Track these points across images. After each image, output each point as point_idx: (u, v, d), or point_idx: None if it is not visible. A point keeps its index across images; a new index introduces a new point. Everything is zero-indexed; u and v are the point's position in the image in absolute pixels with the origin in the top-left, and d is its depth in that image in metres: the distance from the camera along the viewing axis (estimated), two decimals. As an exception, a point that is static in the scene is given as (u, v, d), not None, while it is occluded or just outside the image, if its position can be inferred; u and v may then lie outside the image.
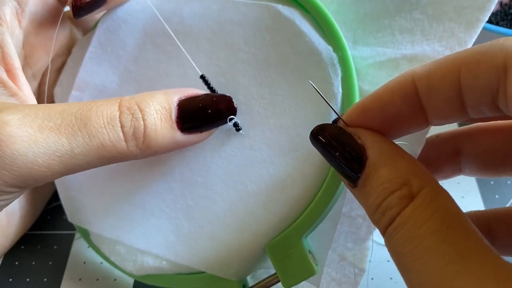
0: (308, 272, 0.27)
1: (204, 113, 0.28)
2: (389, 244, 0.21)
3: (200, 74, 0.31)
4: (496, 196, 0.40)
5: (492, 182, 0.41)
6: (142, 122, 0.27)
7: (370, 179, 0.22)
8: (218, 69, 0.31)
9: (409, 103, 0.22)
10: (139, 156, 0.28)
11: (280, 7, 0.31)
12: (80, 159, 0.26)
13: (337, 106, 0.28)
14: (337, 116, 0.25)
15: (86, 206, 0.34)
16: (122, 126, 0.27)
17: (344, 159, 0.23)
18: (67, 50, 0.36)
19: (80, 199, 0.34)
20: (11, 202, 0.28)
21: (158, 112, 0.28)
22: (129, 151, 0.27)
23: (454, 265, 0.18)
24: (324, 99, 0.26)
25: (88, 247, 0.36)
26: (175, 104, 0.28)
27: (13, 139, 0.25)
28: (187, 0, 0.33)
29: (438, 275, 0.18)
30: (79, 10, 0.31)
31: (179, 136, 0.28)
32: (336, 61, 0.29)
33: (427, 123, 0.23)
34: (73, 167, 0.26)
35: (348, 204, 0.31)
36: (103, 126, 0.26)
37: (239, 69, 0.31)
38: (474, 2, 0.30)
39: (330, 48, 0.29)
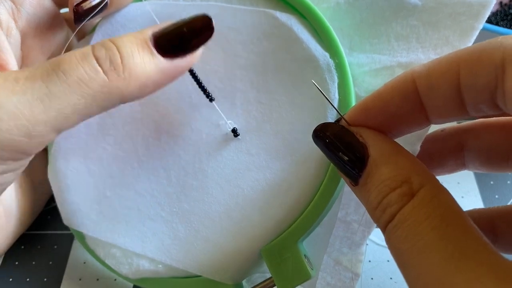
0: (304, 276, 0.28)
1: (180, 32, 0.28)
2: (389, 240, 0.21)
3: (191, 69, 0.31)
4: (496, 196, 0.40)
5: (492, 182, 0.41)
6: (117, 52, 0.27)
7: (372, 177, 0.22)
8: (216, 74, 0.32)
9: (409, 101, 0.23)
10: (126, 89, 0.27)
11: (278, 13, 0.31)
12: (62, 100, 0.25)
13: (334, 111, 0.29)
14: (338, 116, 0.26)
15: (81, 209, 0.34)
16: (97, 59, 0.26)
17: (346, 157, 0.23)
18: (63, 51, 0.36)
19: (75, 202, 0.34)
20: (10, 180, 0.28)
21: (132, 42, 0.27)
22: (112, 83, 0.26)
23: (453, 261, 0.18)
24: (327, 98, 0.26)
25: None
26: (150, 34, 0.28)
27: None
28: (185, 6, 0.33)
29: (437, 271, 0.19)
30: (80, 17, 0.31)
31: (162, 61, 0.28)
32: (333, 67, 0.29)
33: (428, 121, 0.24)
34: (59, 112, 0.25)
35: (344, 209, 0.31)
36: (76, 62, 0.26)
37: (237, 75, 0.31)
38: (469, 9, 0.30)
39: (327, 54, 0.29)
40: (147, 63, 0.27)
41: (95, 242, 0.34)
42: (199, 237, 0.30)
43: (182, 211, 0.31)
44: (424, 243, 0.19)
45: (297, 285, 0.28)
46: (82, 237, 0.35)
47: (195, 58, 0.29)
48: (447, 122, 0.24)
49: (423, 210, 0.20)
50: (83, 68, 0.26)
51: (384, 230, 0.22)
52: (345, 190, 0.30)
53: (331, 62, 0.29)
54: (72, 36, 0.34)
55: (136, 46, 0.27)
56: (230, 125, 0.31)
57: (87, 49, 0.27)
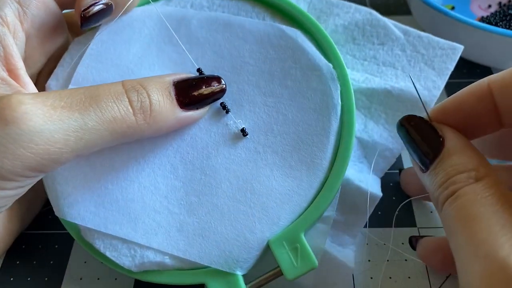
0: (310, 264, 0.29)
1: (200, 94, 0.31)
2: (446, 211, 0.25)
3: (197, 67, 0.34)
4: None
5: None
6: (147, 97, 0.29)
7: (442, 162, 0.25)
8: (224, 77, 0.33)
9: (483, 102, 0.26)
10: (146, 132, 0.30)
11: (284, 26, 0.34)
12: (93, 134, 0.27)
13: (337, 115, 0.32)
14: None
15: (79, 200, 0.33)
16: (130, 101, 0.29)
17: (425, 145, 0.26)
18: (62, 53, 0.36)
19: (72, 193, 0.33)
20: (25, 190, 0.29)
21: (159, 90, 0.30)
22: (137, 125, 0.29)
23: (500, 227, 0.22)
24: (420, 99, 0.29)
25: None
26: (172, 84, 0.31)
27: (28, 116, 0.25)
28: (195, 13, 0.36)
29: (485, 232, 0.22)
30: (87, 21, 0.32)
31: (179, 112, 0.31)
32: (335, 76, 0.33)
33: (499, 125, 0.27)
34: (87, 144, 0.27)
35: (339, 208, 0.34)
36: (112, 100, 0.28)
37: (244, 79, 0.34)
38: (442, 51, 0.36)
39: (330, 65, 0.33)
40: (169, 111, 0.30)
41: (93, 234, 0.32)
42: (207, 229, 0.31)
43: (190, 204, 0.32)
44: (477, 212, 0.23)
45: (303, 274, 0.29)
46: (77, 230, 0.33)
47: (206, 111, 0.33)
48: None
49: (484, 190, 0.23)
50: (117, 107, 0.28)
51: (442, 205, 0.25)
52: (340, 191, 0.32)
53: (334, 72, 0.33)
54: (84, 48, 0.35)
55: (162, 94, 0.30)
56: (239, 124, 0.33)
57: (120, 88, 0.29)
